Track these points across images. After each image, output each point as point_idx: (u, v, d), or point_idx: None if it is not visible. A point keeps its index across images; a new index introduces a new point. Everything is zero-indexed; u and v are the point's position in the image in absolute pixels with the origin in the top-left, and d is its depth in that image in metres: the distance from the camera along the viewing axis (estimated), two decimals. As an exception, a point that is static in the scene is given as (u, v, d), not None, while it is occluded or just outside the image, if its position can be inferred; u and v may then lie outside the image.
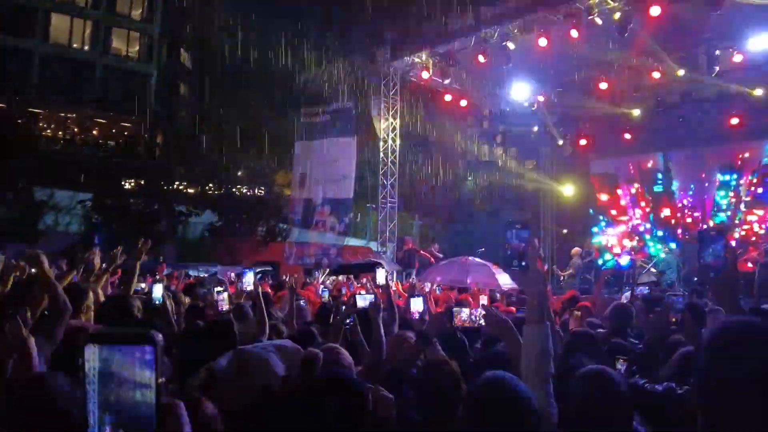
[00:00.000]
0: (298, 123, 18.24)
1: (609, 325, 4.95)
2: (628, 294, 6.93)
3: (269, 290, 8.37)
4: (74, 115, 38.48)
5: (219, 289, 5.21)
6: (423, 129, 21.29)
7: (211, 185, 30.56)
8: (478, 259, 11.13)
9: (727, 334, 1.36)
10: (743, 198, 15.80)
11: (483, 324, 4.07)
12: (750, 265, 11.58)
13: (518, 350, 2.44)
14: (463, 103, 16.94)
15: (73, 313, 3.66)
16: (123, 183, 24.96)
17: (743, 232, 15.24)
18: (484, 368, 2.56)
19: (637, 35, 12.19)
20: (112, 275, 6.46)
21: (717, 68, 13.09)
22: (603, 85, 14.85)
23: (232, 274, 9.21)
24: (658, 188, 17.38)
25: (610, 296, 10.09)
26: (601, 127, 17.01)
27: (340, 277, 13.60)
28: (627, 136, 16.55)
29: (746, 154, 15.77)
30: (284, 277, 10.10)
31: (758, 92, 14.01)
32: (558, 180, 19.43)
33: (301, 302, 6.26)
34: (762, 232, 15.07)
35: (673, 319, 4.41)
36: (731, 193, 16.02)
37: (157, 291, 4.86)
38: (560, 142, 18.27)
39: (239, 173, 29.38)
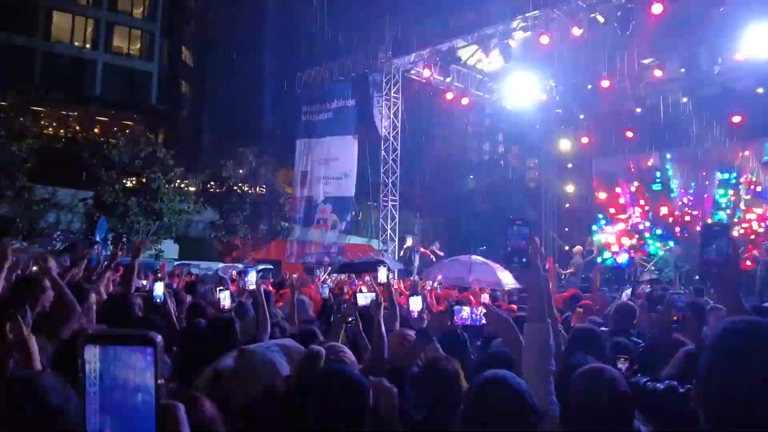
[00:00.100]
0: (299, 121, 18.24)
1: (611, 323, 4.94)
2: (628, 292, 6.90)
3: (271, 288, 8.38)
4: (76, 112, 38.50)
5: (221, 287, 5.21)
6: (424, 127, 21.27)
7: (212, 183, 30.56)
8: (481, 258, 11.13)
9: (732, 334, 1.36)
10: (743, 196, 15.78)
11: (484, 323, 4.06)
12: (749, 263, 11.58)
13: (519, 348, 2.44)
14: (465, 101, 16.93)
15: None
16: (124, 181, 24.97)
17: (742, 230, 15.23)
18: (485, 366, 2.56)
19: (639, 33, 12.17)
20: (113, 273, 6.49)
21: (718, 66, 13.07)
22: (605, 83, 14.83)
23: (234, 272, 9.22)
24: (656, 186, 17.37)
25: (611, 294, 10.08)
26: (603, 126, 17.00)
27: (342, 276, 13.61)
28: (629, 134, 16.54)
29: (746, 152, 15.75)
30: (286, 275, 10.10)
31: (760, 90, 13.98)
32: (559, 178, 19.42)
33: (303, 297, 6.27)
34: (761, 230, 15.07)
35: (675, 318, 4.39)
36: (731, 192, 16.01)
37: (158, 289, 4.86)
38: (562, 141, 18.26)
39: (241, 171, 29.36)
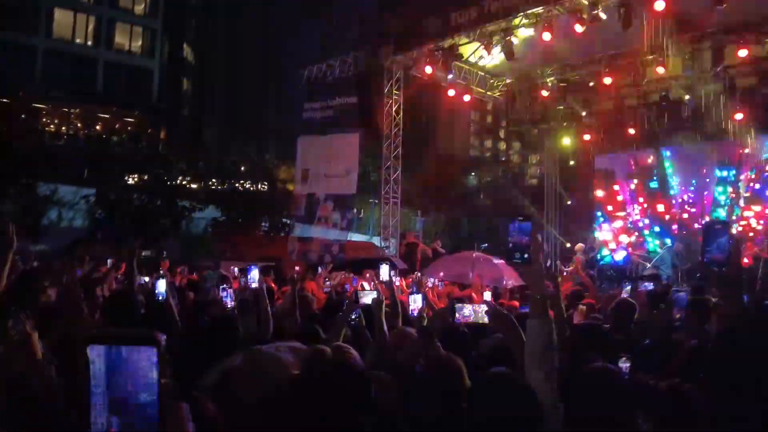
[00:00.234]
0: (300, 118, 18.24)
1: (611, 320, 4.93)
2: (628, 288, 6.88)
3: (273, 285, 8.38)
4: (78, 110, 38.55)
5: (224, 285, 5.22)
6: (426, 124, 21.25)
7: (214, 180, 30.59)
8: (485, 255, 11.11)
9: (737, 334, 1.36)
10: (742, 194, 15.76)
11: (486, 321, 4.06)
12: (746, 260, 11.56)
13: (521, 346, 2.43)
14: (467, 98, 16.90)
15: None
16: (126, 178, 25.02)
17: (740, 228, 15.22)
18: (487, 364, 2.56)
19: (642, 30, 12.13)
20: (116, 270, 6.52)
21: (722, 64, 13.02)
22: (607, 80, 14.79)
23: (236, 270, 9.22)
24: (653, 184, 17.37)
25: (612, 290, 10.05)
26: (605, 122, 16.98)
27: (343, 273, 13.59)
28: (631, 131, 16.52)
29: (746, 150, 15.72)
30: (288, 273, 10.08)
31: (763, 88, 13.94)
32: (561, 175, 19.40)
33: (306, 294, 6.27)
34: (759, 227, 15.05)
35: (677, 316, 4.40)
36: (730, 189, 15.99)
37: (161, 287, 4.87)
38: (564, 138, 18.24)
39: (242, 168, 29.39)
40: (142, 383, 0.99)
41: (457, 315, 4.31)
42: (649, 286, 6.38)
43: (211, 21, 46.30)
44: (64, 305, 3.79)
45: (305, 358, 2.32)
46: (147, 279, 7.31)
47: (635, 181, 17.77)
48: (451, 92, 16.61)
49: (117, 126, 36.66)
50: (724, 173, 16.13)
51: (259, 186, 30.55)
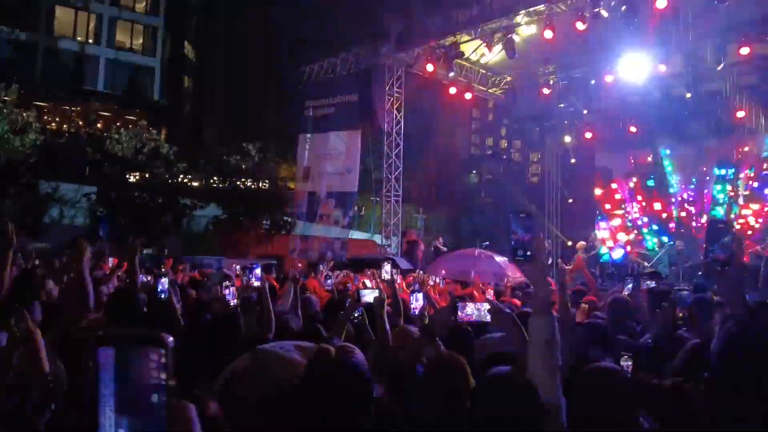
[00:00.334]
0: (302, 116, 18.23)
1: (608, 318, 4.92)
2: (629, 286, 6.86)
3: (275, 283, 8.37)
4: (78, 108, 38.55)
5: (227, 283, 5.21)
6: (428, 122, 21.24)
7: (215, 178, 30.57)
8: (487, 252, 11.11)
9: (741, 335, 1.36)
10: (741, 192, 15.77)
11: (489, 320, 4.06)
12: (745, 259, 11.54)
13: (523, 345, 2.43)
14: (468, 95, 16.89)
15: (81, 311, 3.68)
16: (127, 176, 25.04)
17: (738, 226, 15.23)
18: (490, 363, 2.56)
19: (643, 28, 12.12)
20: (118, 268, 6.52)
21: (723, 62, 13.00)
22: (609, 78, 14.78)
23: (238, 267, 9.20)
24: (650, 182, 17.38)
25: (614, 288, 10.04)
26: (606, 121, 16.98)
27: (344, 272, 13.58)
28: (632, 129, 16.52)
29: (746, 148, 15.73)
30: (289, 272, 10.07)
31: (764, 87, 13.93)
32: (562, 173, 19.39)
33: (310, 295, 6.27)
34: (758, 226, 15.06)
35: (680, 314, 4.39)
36: (729, 187, 16.00)
37: (163, 285, 4.87)
38: (565, 135, 18.23)
39: (243, 166, 29.32)
40: (150, 384, 1.00)
41: (459, 313, 4.30)
42: (652, 283, 6.35)
43: (212, 19, 46.29)
44: (65, 303, 3.79)
45: (310, 357, 2.32)
46: (149, 277, 7.31)
47: (634, 179, 17.77)
48: (452, 90, 16.60)
49: (118, 124, 36.64)
50: (722, 171, 16.14)
51: (261, 184, 30.53)
